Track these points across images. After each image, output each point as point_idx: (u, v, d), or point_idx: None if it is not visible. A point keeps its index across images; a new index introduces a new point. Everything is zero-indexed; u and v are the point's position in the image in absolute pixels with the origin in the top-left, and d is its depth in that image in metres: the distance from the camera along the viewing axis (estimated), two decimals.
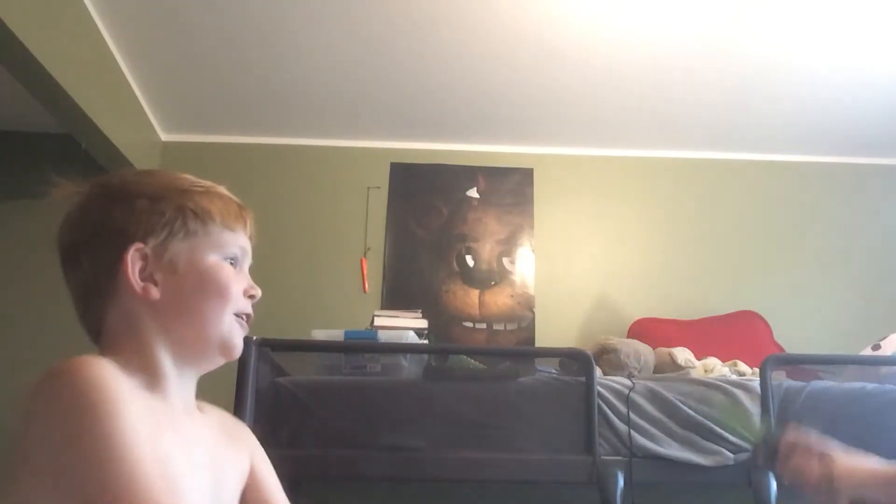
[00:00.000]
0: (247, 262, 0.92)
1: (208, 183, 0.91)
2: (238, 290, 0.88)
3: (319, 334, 2.50)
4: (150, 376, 0.82)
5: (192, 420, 0.87)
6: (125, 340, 0.82)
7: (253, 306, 0.91)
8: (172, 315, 0.83)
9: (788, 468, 1.16)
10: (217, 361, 0.89)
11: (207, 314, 0.85)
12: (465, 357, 2.27)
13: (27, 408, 0.69)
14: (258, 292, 0.90)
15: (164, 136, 3.38)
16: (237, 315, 0.88)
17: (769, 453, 1.18)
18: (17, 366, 1.98)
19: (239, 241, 0.90)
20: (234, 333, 0.87)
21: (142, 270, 0.82)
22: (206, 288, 0.85)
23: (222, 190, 0.92)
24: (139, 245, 0.82)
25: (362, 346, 2.42)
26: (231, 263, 0.88)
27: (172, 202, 0.84)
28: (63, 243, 0.85)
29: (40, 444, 0.68)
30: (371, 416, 2.10)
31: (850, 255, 3.34)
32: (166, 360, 0.83)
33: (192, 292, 0.84)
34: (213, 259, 0.86)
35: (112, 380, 0.70)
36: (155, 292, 0.82)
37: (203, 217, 0.86)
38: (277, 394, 2.12)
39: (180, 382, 0.85)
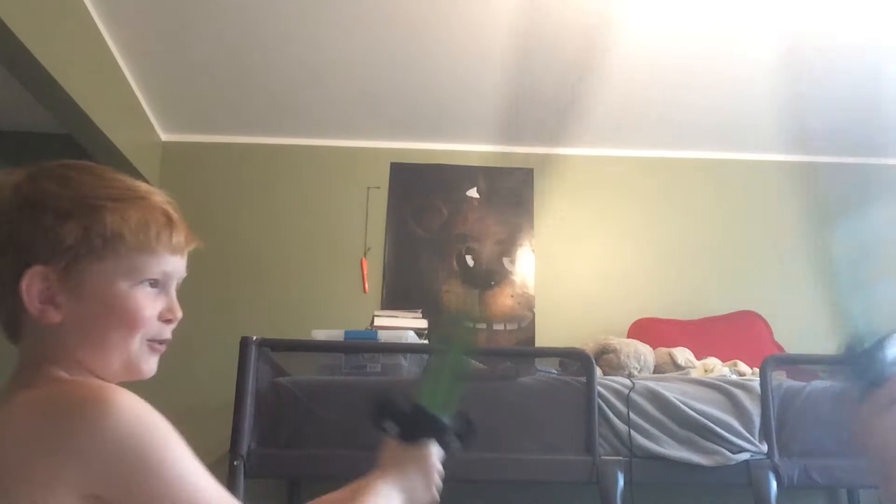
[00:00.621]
0: (173, 283, 0.85)
1: (136, 192, 0.82)
2: (152, 315, 0.82)
3: (319, 334, 2.50)
4: None
5: None
6: (41, 361, 0.78)
7: (175, 329, 0.85)
8: (75, 338, 0.78)
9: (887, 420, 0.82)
10: (126, 380, 0.84)
11: (111, 342, 0.80)
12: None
13: (49, 434, 0.68)
14: (177, 315, 0.84)
15: (164, 137, 3.37)
16: (151, 340, 0.83)
17: (865, 387, 0.82)
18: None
19: (161, 265, 0.82)
20: (143, 359, 0.82)
21: (43, 292, 0.77)
22: (111, 316, 0.79)
23: (151, 202, 0.82)
24: (39, 268, 0.76)
25: (362, 346, 2.42)
26: (152, 285, 0.82)
27: (80, 222, 0.77)
28: None
29: (91, 471, 0.68)
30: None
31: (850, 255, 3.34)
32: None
33: (97, 319, 0.79)
34: (122, 286, 0.79)
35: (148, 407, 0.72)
36: (55, 315, 0.77)
37: (112, 241, 0.78)
38: (277, 394, 2.12)
39: None
